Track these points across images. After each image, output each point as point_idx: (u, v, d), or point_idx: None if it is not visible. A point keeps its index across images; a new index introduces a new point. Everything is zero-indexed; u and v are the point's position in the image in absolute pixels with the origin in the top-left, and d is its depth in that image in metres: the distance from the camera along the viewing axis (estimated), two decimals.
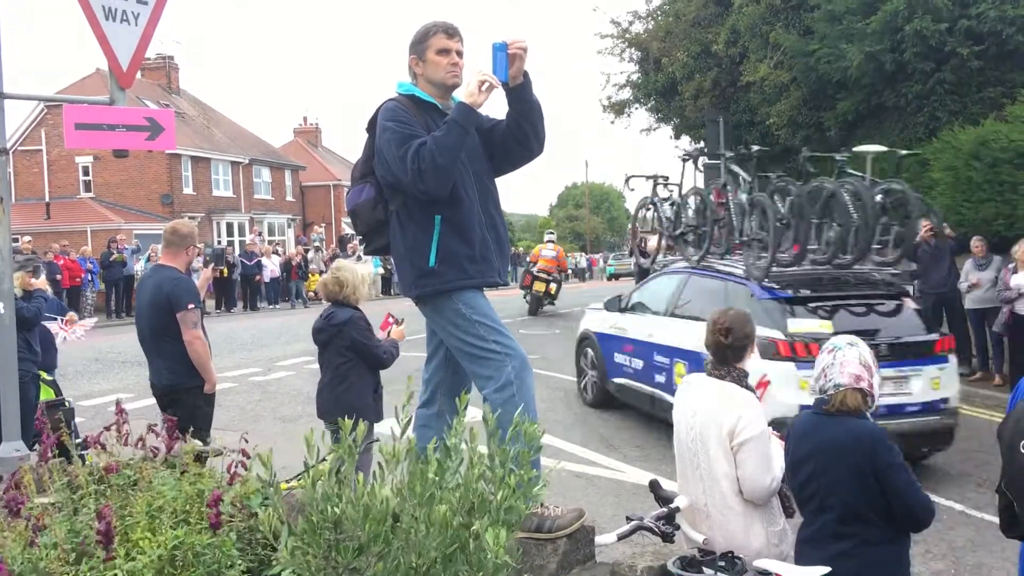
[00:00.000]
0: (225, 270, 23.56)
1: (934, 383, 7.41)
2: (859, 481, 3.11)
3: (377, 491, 2.16)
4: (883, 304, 8.00)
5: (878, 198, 7.96)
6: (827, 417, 3.22)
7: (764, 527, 3.50)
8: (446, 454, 2.32)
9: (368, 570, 2.10)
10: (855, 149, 9.42)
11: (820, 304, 7.66)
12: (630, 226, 12.05)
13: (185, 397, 5.43)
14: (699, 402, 3.56)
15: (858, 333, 6.30)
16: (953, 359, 7.78)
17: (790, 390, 6.98)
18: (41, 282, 6.88)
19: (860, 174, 9.05)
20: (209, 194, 37.96)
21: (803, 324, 7.43)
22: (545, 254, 20.34)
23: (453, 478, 2.27)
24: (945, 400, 7.46)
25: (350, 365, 5.39)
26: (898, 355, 7.35)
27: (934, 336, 7.80)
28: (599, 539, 3.48)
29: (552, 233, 22.24)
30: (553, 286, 20.07)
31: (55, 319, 7.35)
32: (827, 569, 2.96)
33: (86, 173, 35.92)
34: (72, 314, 7.70)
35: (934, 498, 3.33)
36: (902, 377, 7.34)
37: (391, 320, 5.74)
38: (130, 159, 25.88)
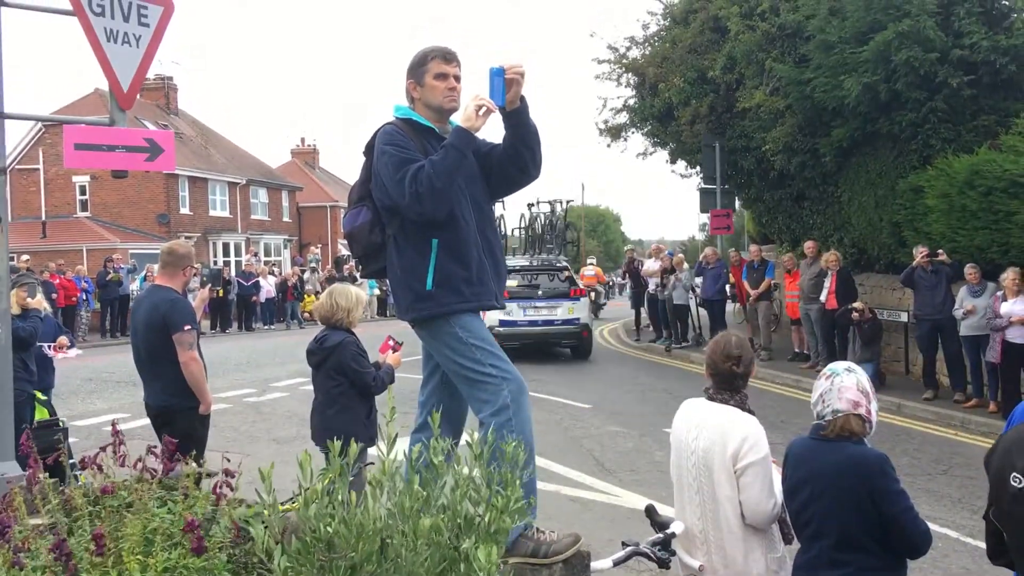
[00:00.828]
0: (221, 290, 23.54)
1: (570, 310, 16.50)
2: (856, 507, 3.10)
3: (370, 509, 2.16)
4: (547, 273, 17.10)
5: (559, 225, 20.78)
6: (825, 443, 3.22)
7: (764, 553, 3.48)
8: (431, 471, 2.32)
9: None
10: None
11: (516, 272, 16.33)
12: None
13: (180, 418, 5.41)
14: (701, 426, 3.55)
15: (529, 287, 16.97)
16: (584, 300, 17.40)
17: (494, 314, 13.83)
18: (37, 301, 6.86)
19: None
20: (206, 214, 38.03)
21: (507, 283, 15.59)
22: (586, 272, 26.96)
23: (439, 495, 2.28)
24: (577, 319, 16.61)
25: (341, 389, 5.37)
26: (551, 295, 16.53)
27: (571, 288, 16.89)
28: (595, 565, 3.46)
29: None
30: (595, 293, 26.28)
31: (50, 345, 7.31)
32: None
33: (83, 192, 35.99)
34: (63, 339, 7.65)
35: (930, 525, 3.31)
36: (553, 307, 16.44)
37: (391, 343, 5.71)
38: (127, 179, 25.93)
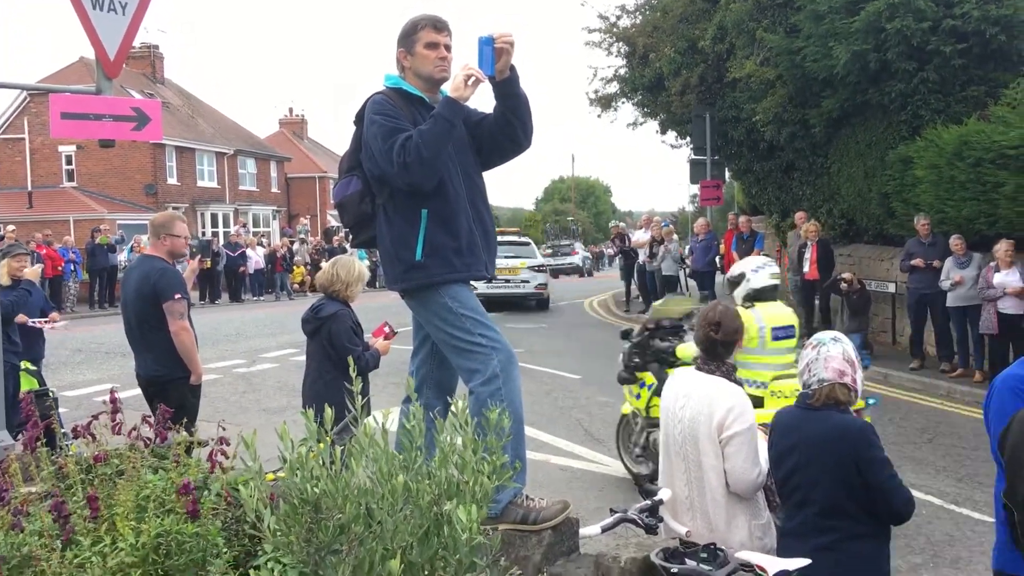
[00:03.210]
0: (208, 262, 23.46)
1: None
2: (841, 475, 3.15)
3: (355, 472, 2.20)
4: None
5: None
6: (811, 411, 3.26)
7: (748, 520, 3.53)
8: (406, 435, 2.35)
9: (349, 553, 2.13)
10: None
11: None
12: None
13: (171, 388, 5.42)
14: (688, 396, 3.59)
15: None
16: None
17: None
18: (32, 272, 6.78)
19: None
20: (194, 185, 37.80)
21: None
22: None
23: (417, 460, 2.31)
24: None
25: (334, 360, 5.38)
26: None
27: None
28: (583, 531, 3.51)
29: None
30: None
31: (39, 321, 7.28)
32: (807, 561, 3.00)
33: (69, 162, 35.68)
34: (55, 314, 7.63)
35: (914, 492, 3.37)
36: None
37: (386, 330, 5.70)
38: (114, 149, 25.74)
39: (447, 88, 3.43)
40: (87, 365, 12.87)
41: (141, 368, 5.58)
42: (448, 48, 3.54)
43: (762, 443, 3.57)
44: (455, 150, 3.49)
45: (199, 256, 6.94)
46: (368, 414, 2.40)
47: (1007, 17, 11.84)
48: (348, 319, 5.40)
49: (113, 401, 2.82)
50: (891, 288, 13.30)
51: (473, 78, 3.34)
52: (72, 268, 22.16)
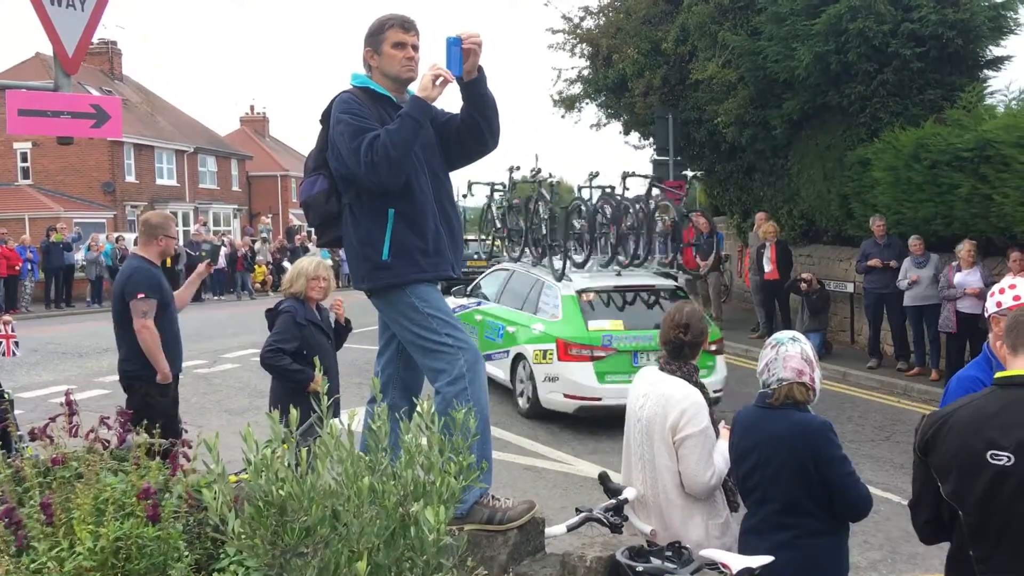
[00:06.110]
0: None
1: None
2: (800, 472, 3.19)
3: (320, 474, 2.19)
4: None
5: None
6: (770, 410, 3.29)
7: (704, 519, 3.56)
8: (372, 436, 2.34)
9: (315, 556, 2.12)
10: None
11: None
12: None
13: (136, 386, 5.49)
14: (647, 396, 3.62)
15: None
16: None
17: None
18: None
19: None
20: (152, 183, 37.27)
21: None
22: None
23: (383, 461, 2.30)
24: None
25: (297, 359, 5.36)
26: None
27: None
28: (549, 531, 3.53)
29: None
30: None
31: None
32: (770, 558, 3.04)
33: (24, 159, 35.01)
34: (7, 317, 7.50)
35: (873, 490, 3.42)
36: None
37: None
38: (71, 146, 25.27)
39: (415, 88, 3.42)
40: (43, 366, 12.62)
41: (119, 364, 5.64)
42: (415, 48, 3.53)
43: (723, 444, 3.61)
44: (422, 150, 3.48)
45: (207, 260, 6.98)
46: (334, 415, 2.39)
47: (963, 21, 12.07)
48: (292, 314, 5.40)
49: (69, 403, 2.78)
50: (850, 288, 13.50)
51: (441, 78, 3.33)
52: (29, 267, 21.74)
